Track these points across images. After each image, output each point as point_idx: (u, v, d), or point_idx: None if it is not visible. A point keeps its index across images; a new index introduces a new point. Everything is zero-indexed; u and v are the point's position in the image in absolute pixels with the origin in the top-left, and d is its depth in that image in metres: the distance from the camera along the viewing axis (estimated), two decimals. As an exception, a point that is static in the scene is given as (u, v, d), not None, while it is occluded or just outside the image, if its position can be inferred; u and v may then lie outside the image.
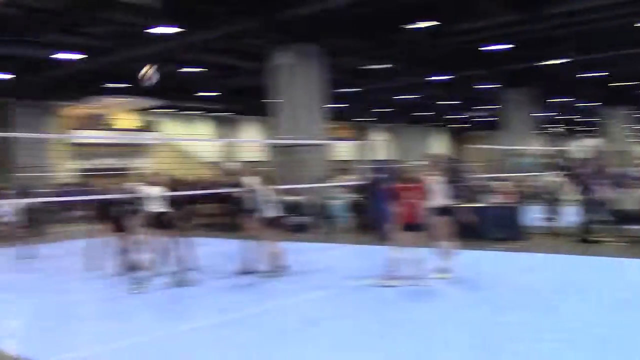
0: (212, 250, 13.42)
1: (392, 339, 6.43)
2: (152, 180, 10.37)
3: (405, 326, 6.97)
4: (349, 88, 33.22)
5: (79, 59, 23.03)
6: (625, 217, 12.75)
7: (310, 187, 16.75)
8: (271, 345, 6.30)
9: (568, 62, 26.76)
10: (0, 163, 28.97)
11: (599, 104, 41.44)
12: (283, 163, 20.17)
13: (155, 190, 10.04)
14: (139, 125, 38.68)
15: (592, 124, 53.22)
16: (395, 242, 9.06)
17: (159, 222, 9.83)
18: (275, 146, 21.69)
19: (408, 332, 6.66)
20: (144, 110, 38.47)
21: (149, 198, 9.92)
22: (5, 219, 15.11)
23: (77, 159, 34.59)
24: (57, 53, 22.31)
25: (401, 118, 50.89)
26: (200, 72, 28.14)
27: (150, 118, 40.09)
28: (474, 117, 52.85)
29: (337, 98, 36.01)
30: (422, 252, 9.16)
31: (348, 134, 52.95)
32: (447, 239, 9.44)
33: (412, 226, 8.98)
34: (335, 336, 6.61)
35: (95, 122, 35.91)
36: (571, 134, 71.39)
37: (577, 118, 56.83)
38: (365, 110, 46.68)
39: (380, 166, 16.06)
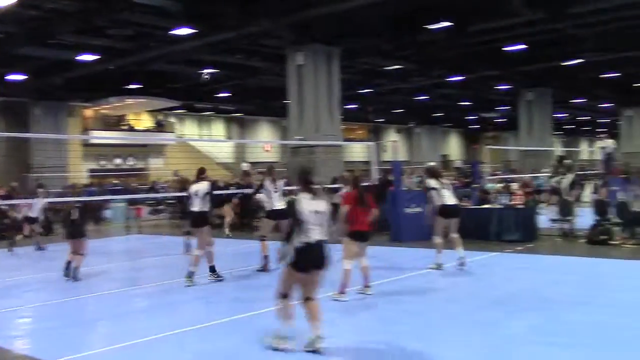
0: (233, 249, 13.55)
1: (398, 335, 6.50)
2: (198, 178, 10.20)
3: (407, 322, 7.10)
4: (365, 89, 33.28)
5: (97, 60, 23.30)
6: (638, 219, 12.72)
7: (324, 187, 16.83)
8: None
9: (587, 62, 26.60)
10: (19, 163, 29.39)
11: (617, 104, 41.09)
12: (297, 164, 20.31)
13: (202, 188, 9.97)
14: (156, 125, 39.02)
15: (610, 124, 52.81)
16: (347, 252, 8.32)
17: (204, 220, 9.98)
18: (290, 147, 21.84)
19: (411, 330, 6.72)
20: (160, 111, 38.79)
21: (196, 196, 9.93)
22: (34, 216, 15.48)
23: (93, 159, 35.01)
24: (75, 54, 22.61)
25: (417, 119, 50.82)
26: (216, 72, 28.33)
27: (166, 119, 40.43)
28: (491, 118, 52.59)
29: (353, 99, 36.20)
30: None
31: (363, 135, 53.00)
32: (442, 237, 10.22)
33: (361, 234, 8.34)
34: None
35: (113, 122, 36.31)
36: (588, 134, 70.87)
37: (595, 119, 56.36)
38: (381, 111, 46.67)
39: (392, 167, 16.08)
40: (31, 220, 15.63)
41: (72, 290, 9.89)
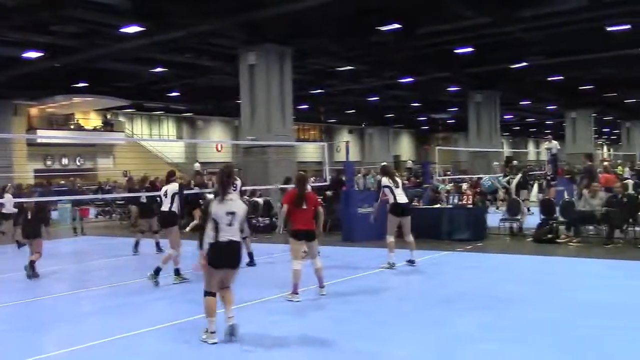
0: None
1: (348, 335, 6.50)
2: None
3: (357, 322, 7.10)
4: (317, 89, 33.33)
5: (42, 57, 22.68)
6: (582, 218, 13.07)
7: (278, 188, 16.78)
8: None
9: (533, 65, 27.26)
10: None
11: (562, 106, 42.26)
12: (250, 164, 20.21)
13: (171, 189, 10.00)
14: (104, 125, 38.21)
15: (556, 126, 54.33)
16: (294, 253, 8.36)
17: (171, 220, 9.98)
18: (242, 147, 21.70)
19: (361, 330, 6.73)
20: (109, 110, 38.06)
21: (165, 197, 9.99)
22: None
23: (39, 159, 34.09)
24: (19, 51, 21.94)
25: (369, 120, 51.22)
26: (167, 71, 27.95)
27: (115, 118, 39.69)
28: (441, 119, 53.45)
29: (306, 99, 36.23)
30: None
31: (316, 135, 53.11)
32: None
33: (304, 234, 8.32)
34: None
35: (60, 121, 35.45)
36: (535, 136, 72.76)
37: (541, 120, 57.85)
38: (333, 111, 46.86)
39: (344, 167, 16.16)
40: None
41: (22, 293, 9.63)
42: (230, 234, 6.18)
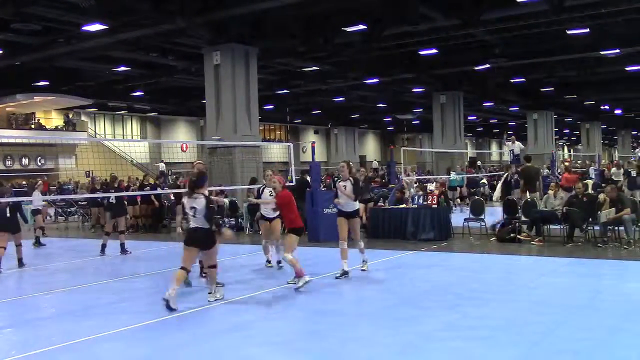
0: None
1: (315, 335, 6.51)
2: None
3: (322, 322, 7.11)
4: (283, 89, 33.30)
5: (1, 55, 22.20)
6: (544, 218, 13.32)
7: (243, 189, 16.73)
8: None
9: (497, 67, 27.69)
10: None
11: (524, 108, 42.99)
12: (215, 164, 20.08)
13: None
14: (66, 124, 37.51)
15: (518, 127, 55.25)
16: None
17: None
18: (207, 147, 21.55)
19: (332, 328, 6.75)
20: (71, 109, 37.41)
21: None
22: None
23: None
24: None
25: (335, 120, 51.34)
26: (131, 71, 27.61)
27: (78, 117, 39.01)
28: (406, 120, 53.86)
29: (272, 99, 36.17)
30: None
31: (282, 136, 53.03)
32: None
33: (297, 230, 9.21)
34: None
35: (20, 121, 34.70)
36: (497, 137, 73.85)
37: (504, 121, 58.74)
38: (299, 112, 46.84)
39: (309, 168, 16.14)
40: None
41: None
42: (196, 223, 7.99)
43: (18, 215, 12.20)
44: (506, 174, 17.24)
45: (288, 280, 9.16)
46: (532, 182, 15.42)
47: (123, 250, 13.42)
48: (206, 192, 8.24)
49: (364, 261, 10.23)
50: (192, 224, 8.03)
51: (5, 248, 11.69)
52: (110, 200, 13.70)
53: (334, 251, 12.63)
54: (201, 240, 8.05)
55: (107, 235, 13.61)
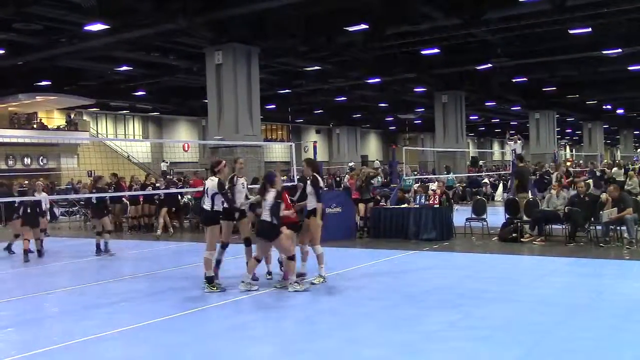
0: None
1: (309, 334, 6.50)
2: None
3: (325, 321, 7.09)
4: (285, 89, 33.29)
5: (3, 55, 22.21)
6: (546, 217, 13.29)
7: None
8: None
9: (499, 66, 27.63)
10: None
11: (526, 107, 42.91)
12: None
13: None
14: (68, 124, 37.54)
15: (520, 127, 55.15)
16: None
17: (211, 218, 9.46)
18: (209, 147, 21.53)
19: (332, 328, 6.74)
20: (73, 109, 37.44)
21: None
22: None
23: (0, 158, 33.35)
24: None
25: (336, 120, 51.30)
26: (133, 70, 27.61)
27: (80, 117, 39.04)
28: (408, 119, 53.82)
29: (273, 99, 36.15)
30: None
31: (283, 135, 53.02)
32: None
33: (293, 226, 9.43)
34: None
35: (22, 120, 34.72)
36: (499, 136, 73.76)
37: (506, 121, 58.63)
38: (301, 111, 46.82)
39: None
40: None
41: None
42: (264, 215, 8.56)
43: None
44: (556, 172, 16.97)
45: (289, 289, 8.76)
46: (525, 183, 15.41)
47: (106, 249, 13.34)
48: (279, 188, 8.63)
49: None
50: (262, 217, 8.60)
51: (29, 240, 12.98)
52: (92, 201, 13.89)
53: (333, 251, 12.68)
54: (265, 232, 8.57)
55: (98, 235, 13.69)
